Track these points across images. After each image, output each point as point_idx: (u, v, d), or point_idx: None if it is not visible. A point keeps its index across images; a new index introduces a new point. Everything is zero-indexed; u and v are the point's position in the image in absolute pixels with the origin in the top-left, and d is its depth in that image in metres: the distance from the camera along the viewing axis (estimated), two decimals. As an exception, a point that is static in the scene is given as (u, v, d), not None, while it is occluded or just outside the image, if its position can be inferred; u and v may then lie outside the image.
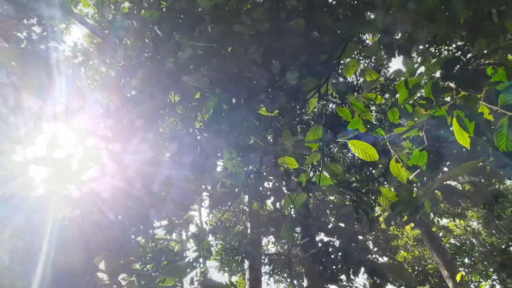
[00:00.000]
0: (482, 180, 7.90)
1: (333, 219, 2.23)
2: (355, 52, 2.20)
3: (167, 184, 2.14)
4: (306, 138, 2.02)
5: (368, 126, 2.27)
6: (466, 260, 14.63)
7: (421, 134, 1.86)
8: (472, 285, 7.50)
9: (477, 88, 1.87)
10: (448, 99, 2.05)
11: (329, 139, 1.96)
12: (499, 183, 7.35)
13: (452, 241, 15.20)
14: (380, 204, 1.91)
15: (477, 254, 7.16)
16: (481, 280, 6.93)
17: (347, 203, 2.03)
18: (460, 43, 2.46)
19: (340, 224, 1.99)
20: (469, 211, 15.76)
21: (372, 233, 14.65)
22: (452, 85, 1.84)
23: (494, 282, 6.76)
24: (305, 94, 2.37)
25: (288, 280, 14.49)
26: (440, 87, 1.89)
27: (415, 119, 1.90)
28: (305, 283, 8.41)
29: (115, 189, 2.01)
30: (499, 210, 13.13)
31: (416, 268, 11.48)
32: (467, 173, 1.19)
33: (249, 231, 13.75)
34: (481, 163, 1.19)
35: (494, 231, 15.56)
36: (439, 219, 9.89)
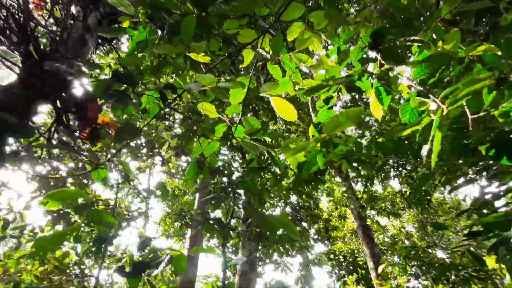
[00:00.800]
0: (417, 182, 8.30)
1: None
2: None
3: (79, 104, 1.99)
4: (232, 86, 1.95)
5: (297, 88, 2.25)
6: (396, 259, 15.56)
7: (334, 95, 1.86)
8: (391, 278, 8.00)
9: (401, 64, 1.88)
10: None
11: (251, 89, 1.89)
12: (432, 188, 7.79)
13: (386, 239, 16.06)
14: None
15: (403, 252, 7.61)
16: (400, 274, 7.40)
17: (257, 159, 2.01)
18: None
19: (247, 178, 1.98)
20: (406, 214, 16.70)
21: (318, 221, 15.12)
22: (378, 56, 1.84)
23: (410, 277, 7.24)
24: (242, 46, 2.29)
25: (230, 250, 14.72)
26: (367, 57, 1.89)
27: (325, 74, 1.88)
28: (239, 254, 8.57)
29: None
30: (432, 217, 13.97)
31: (347, 258, 12.06)
32: (353, 123, 1.18)
33: (196, 202, 13.74)
34: (365, 113, 1.19)
35: (425, 236, 16.61)
36: (375, 215, 10.39)
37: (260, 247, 8.32)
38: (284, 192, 11.68)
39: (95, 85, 1.99)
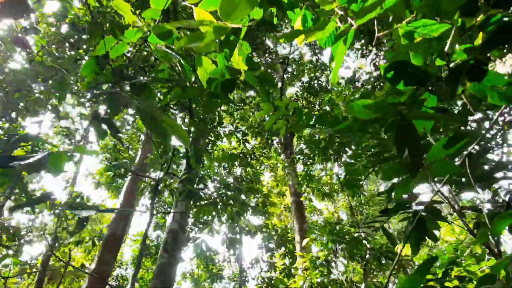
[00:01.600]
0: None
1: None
2: None
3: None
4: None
5: None
6: (324, 239, 16.36)
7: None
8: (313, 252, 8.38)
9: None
10: None
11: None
12: (365, 175, 8.18)
13: (319, 221, 16.79)
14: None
15: (327, 228, 7.96)
16: (322, 248, 7.77)
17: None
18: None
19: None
20: (342, 200, 17.54)
21: (257, 195, 15.36)
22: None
23: (330, 253, 7.65)
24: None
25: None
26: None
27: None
28: (172, 209, 8.43)
29: None
30: (362, 206, 14.81)
31: (278, 233, 12.46)
32: (249, 5, 1.07)
33: (138, 158, 13.37)
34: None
35: (355, 224, 17.59)
36: (311, 193, 10.75)
37: (192, 207, 8.25)
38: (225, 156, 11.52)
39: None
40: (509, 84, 1.14)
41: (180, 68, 1.76)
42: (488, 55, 1.18)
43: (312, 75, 13.16)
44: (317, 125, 5.32)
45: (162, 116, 1.44)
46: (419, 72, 1.20)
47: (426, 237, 3.24)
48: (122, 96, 1.53)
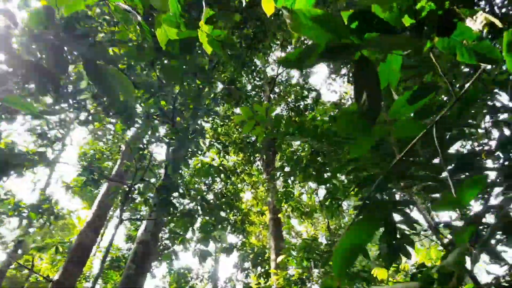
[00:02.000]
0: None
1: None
2: None
3: None
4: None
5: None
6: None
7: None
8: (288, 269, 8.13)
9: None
10: None
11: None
12: (344, 195, 8.10)
13: (298, 243, 16.48)
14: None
15: (302, 244, 7.77)
16: (297, 266, 7.54)
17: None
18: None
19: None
20: (322, 223, 17.33)
21: (237, 213, 15.04)
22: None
23: (304, 271, 7.42)
24: None
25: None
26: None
27: None
28: (146, 219, 8.05)
29: None
30: (341, 227, 14.61)
31: (255, 251, 12.14)
32: None
33: (116, 167, 13.08)
34: None
35: (331, 243, 17.37)
36: (290, 211, 10.55)
37: (166, 217, 7.92)
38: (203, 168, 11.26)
39: None
40: (479, 38, 1.06)
41: (139, 29, 1.64)
42: (456, 9, 1.10)
43: (299, 97, 13.26)
44: (296, 134, 5.22)
45: (109, 67, 1.30)
46: (385, 24, 1.12)
47: (400, 254, 3.10)
48: (69, 43, 1.39)
